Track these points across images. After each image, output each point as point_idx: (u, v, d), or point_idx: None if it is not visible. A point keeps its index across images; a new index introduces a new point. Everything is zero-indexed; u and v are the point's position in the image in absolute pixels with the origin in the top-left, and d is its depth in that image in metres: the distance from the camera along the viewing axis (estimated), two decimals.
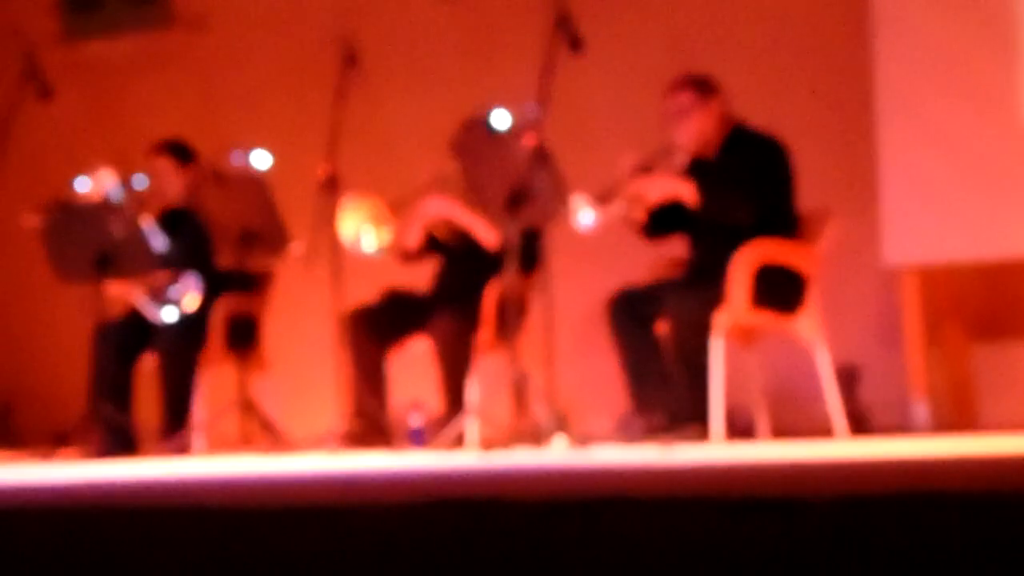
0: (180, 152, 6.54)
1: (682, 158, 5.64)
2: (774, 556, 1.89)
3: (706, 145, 5.66)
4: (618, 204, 5.47)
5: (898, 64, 6.20)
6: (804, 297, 5.53)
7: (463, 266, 6.07)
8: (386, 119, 7.54)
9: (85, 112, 8.22)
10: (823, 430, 5.79)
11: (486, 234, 5.89)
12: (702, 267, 5.62)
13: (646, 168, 5.53)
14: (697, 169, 5.62)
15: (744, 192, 5.44)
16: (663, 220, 5.65)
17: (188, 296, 6.30)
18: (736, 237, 5.41)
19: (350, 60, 5.79)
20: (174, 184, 6.46)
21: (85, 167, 6.33)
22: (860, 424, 6.15)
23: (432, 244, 6.16)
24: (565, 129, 5.94)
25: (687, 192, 5.48)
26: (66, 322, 7.23)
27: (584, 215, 5.22)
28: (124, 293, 6.30)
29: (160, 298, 6.31)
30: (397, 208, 5.93)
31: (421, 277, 6.27)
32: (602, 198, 5.36)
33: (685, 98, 5.63)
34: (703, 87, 5.66)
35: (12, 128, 6.32)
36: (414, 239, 6.15)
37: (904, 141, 6.22)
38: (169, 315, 6.29)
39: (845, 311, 6.35)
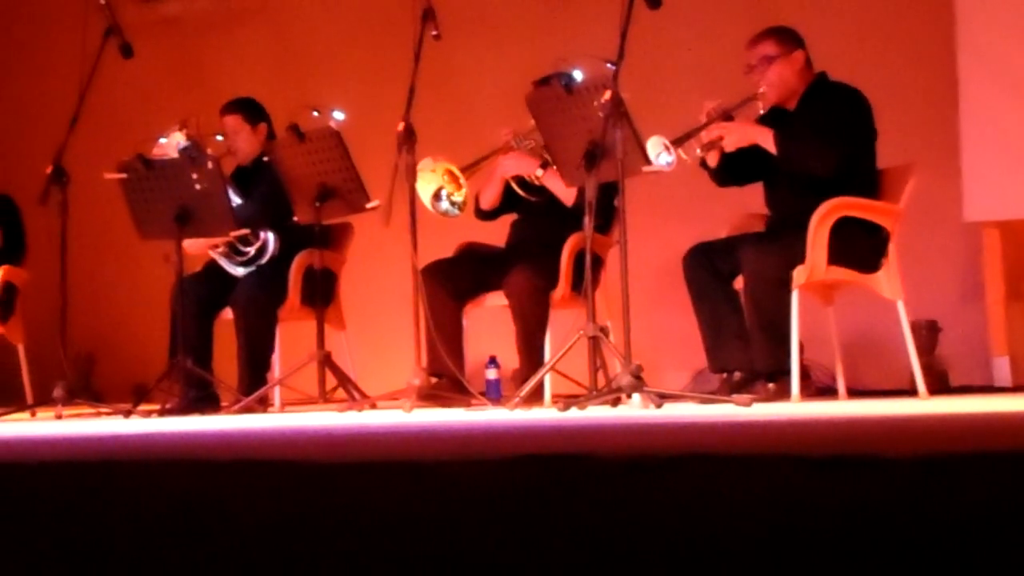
0: (250, 110, 6.57)
1: (763, 108, 5.60)
2: (852, 514, 1.88)
3: (788, 96, 5.63)
4: (696, 147, 5.43)
5: (980, 21, 6.12)
6: (885, 253, 5.47)
7: (539, 221, 6.07)
8: (463, 75, 7.54)
9: (164, 70, 8.28)
10: (903, 387, 5.75)
11: (563, 191, 5.87)
12: (781, 222, 5.58)
13: (726, 114, 5.49)
14: (777, 119, 5.58)
15: (823, 141, 5.39)
16: (739, 167, 5.61)
17: (264, 252, 6.34)
18: (816, 192, 5.36)
19: (427, 15, 5.77)
20: (246, 142, 6.50)
21: (163, 125, 6.38)
22: (940, 381, 6.10)
23: (509, 201, 6.15)
24: (642, 84, 5.91)
25: (765, 139, 5.43)
26: (147, 278, 7.31)
27: (661, 156, 5.19)
28: (204, 248, 6.35)
29: (239, 254, 6.36)
30: (474, 167, 5.93)
31: (498, 232, 6.27)
32: (680, 140, 5.33)
33: (768, 48, 5.60)
34: (786, 38, 5.62)
35: (94, 86, 6.38)
36: (491, 197, 6.15)
37: (986, 97, 6.14)
38: (248, 271, 6.34)
39: (926, 267, 6.28)
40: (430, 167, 5.79)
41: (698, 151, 5.46)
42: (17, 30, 8.83)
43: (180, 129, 6.26)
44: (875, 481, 2.18)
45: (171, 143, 6.23)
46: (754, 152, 5.48)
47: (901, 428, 3.77)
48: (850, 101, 5.52)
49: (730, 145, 5.49)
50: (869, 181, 5.53)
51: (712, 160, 5.57)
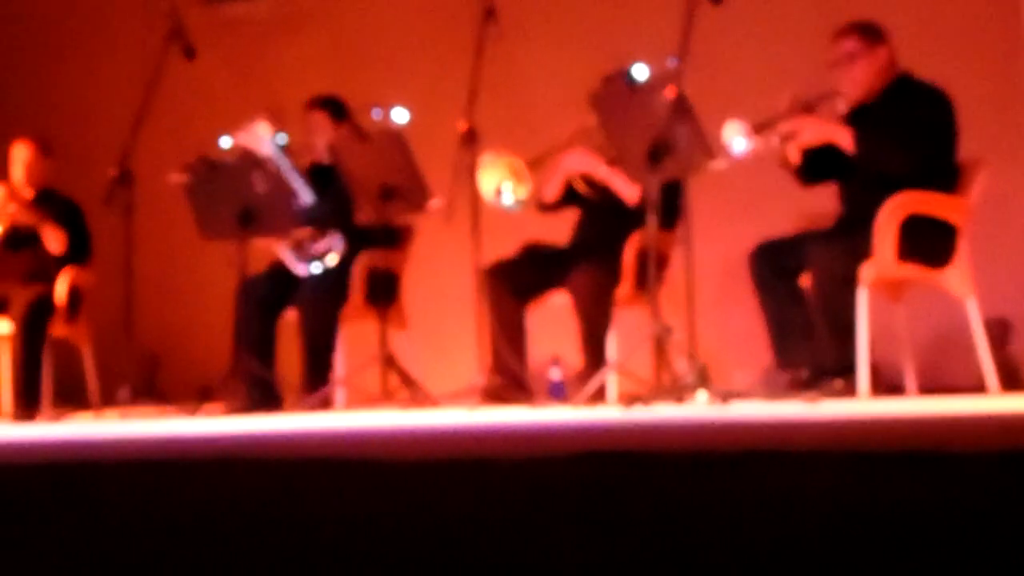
0: (337, 108, 6.59)
1: (843, 104, 5.54)
2: (921, 513, 1.84)
3: (869, 92, 5.55)
4: (772, 137, 5.38)
5: None
6: (954, 249, 5.40)
7: (603, 219, 6.04)
8: (525, 73, 7.52)
9: (227, 72, 8.32)
10: (973, 385, 5.68)
11: (627, 189, 5.85)
12: (850, 218, 5.52)
13: (807, 106, 5.43)
14: (858, 116, 5.51)
15: (902, 140, 5.32)
16: (817, 165, 5.55)
17: (331, 252, 6.36)
18: (892, 189, 5.30)
19: (489, 14, 5.76)
20: (328, 140, 6.50)
21: (226, 126, 6.41)
22: (1012, 379, 6.01)
23: (572, 197, 6.13)
24: (705, 81, 5.86)
25: (843, 136, 5.37)
26: (211, 278, 7.34)
27: (736, 142, 5.15)
28: (268, 248, 6.38)
29: (303, 253, 6.37)
30: (537, 162, 5.91)
31: (560, 231, 6.25)
32: (760, 127, 5.28)
33: (851, 44, 5.53)
34: (870, 33, 5.55)
35: (158, 89, 6.41)
36: (554, 193, 6.12)
37: None
38: (312, 270, 6.35)
39: (997, 263, 6.20)
40: (493, 161, 5.78)
41: (776, 141, 5.39)
42: (82, 33, 8.91)
43: (266, 120, 6.29)
44: (946, 479, 2.15)
45: (255, 134, 6.27)
46: (837, 149, 5.41)
47: (972, 426, 3.72)
48: (933, 100, 5.43)
49: (806, 140, 5.42)
50: (948, 181, 5.45)
51: (794, 157, 5.51)
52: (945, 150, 5.43)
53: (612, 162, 5.87)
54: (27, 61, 8.98)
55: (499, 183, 5.79)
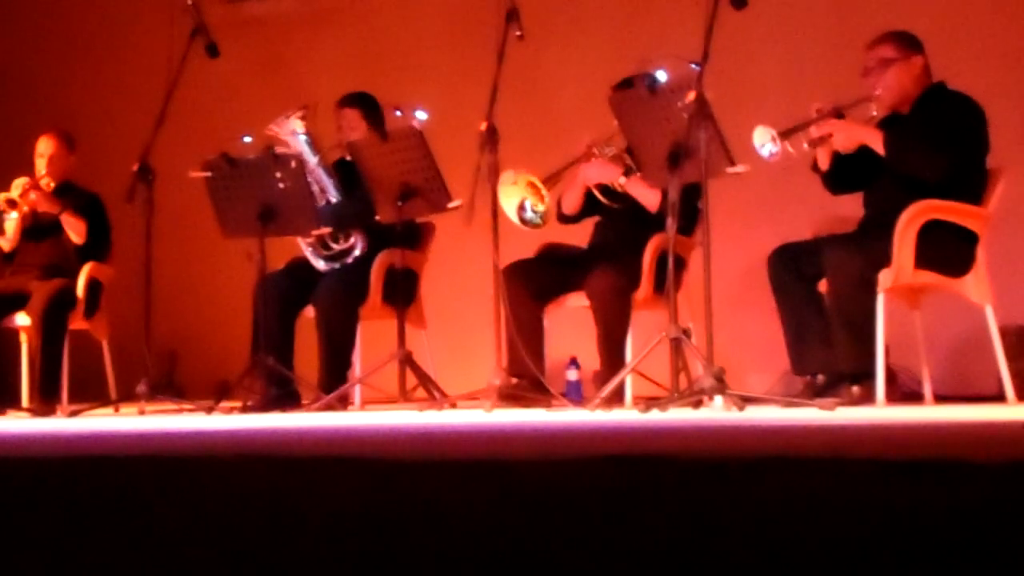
0: (370, 106, 6.59)
1: (877, 110, 5.52)
2: (937, 520, 1.84)
3: (903, 100, 5.54)
4: (802, 142, 5.37)
5: None
6: (973, 257, 5.39)
7: (621, 222, 6.04)
8: (546, 75, 7.53)
9: (249, 70, 8.34)
10: (991, 393, 5.66)
11: (647, 196, 5.85)
12: (871, 223, 5.50)
13: (837, 112, 5.42)
14: (891, 123, 5.50)
15: (934, 146, 5.30)
16: (847, 172, 5.53)
17: (351, 250, 6.37)
18: (918, 196, 5.28)
19: (511, 15, 5.76)
20: (360, 138, 6.50)
21: (252, 122, 6.42)
22: None
23: (592, 208, 6.13)
24: (726, 86, 5.86)
25: (875, 139, 5.35)
26: (230, 275, 7.36)
27: (767, 146, 5.14)
28: (288, 244, 6.39)
29: (323, 251, 6.38)
30: (553, 178, 5.92)
31: (579, 233, 6.25)
32: (788, 133, 5.27)
33: (887, 51, 5.52)
34: (906, 42, 5.54)
35: (180, 85, 6.43)
36: (574, 204, 6.13)
37: None
38: (331, 267, 6.36)
39: (1015, 271, 6.19)
40: (511, 180, 5.79)
41: (806, 146, 5.38)
42: (104, 30, 8.93)
43: (300, 116, 6.31)
44: (962, 487, 2.15)
45: (287, 129, 6.29)
46: (867, 157, 5.39)
47: (989, 434, 3.71)
48: (965, 109, 5.41)
49: (839, 143, 5.41)
50: (975, 191, 5.43)
51: (824, 163, 5.50)
52: (975, 158, 5.41)
53: (629, 172, 5.88)
54: (51, 57, 9.01)
55: (520, 201, 5.80)
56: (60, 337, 6.61)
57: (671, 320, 5.15)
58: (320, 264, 6.38)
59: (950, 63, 5.98)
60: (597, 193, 6.00)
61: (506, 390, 5.57)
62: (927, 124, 5.40)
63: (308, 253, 6.38)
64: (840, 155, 5.45)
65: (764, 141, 5.14)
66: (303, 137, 6.30)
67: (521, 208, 5.80)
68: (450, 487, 2.40)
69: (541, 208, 5.81)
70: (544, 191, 5.81)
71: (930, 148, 5.30)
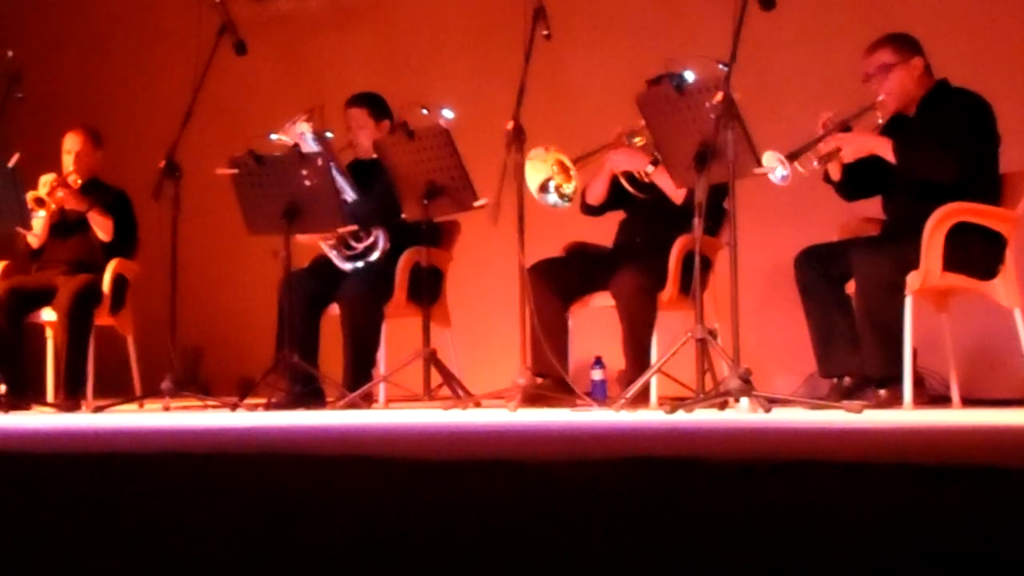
0: (377, 105, 6.61)
1: (882, 116, 5.50)
2: (964, 524, 1.83)
3: (907, 103, 5.52)
4: (813, 159, 5.35)
5: None
6: (1002, 260, 5.36)
7: (647, 222, 6.03)
8: (573, 74, 7.51)
9: (276, 68, 8.36)
10: (1019, 396, 5.63)
11: (672, 189, 5.83)
12: (896, 226, 5.48)
13: (843, 125, 5.41)
14: (897, 126, 5.48)
15: (943, 148, 5.28)
16: (859, 180, 5.52)
17: (376, 249, 6.37)
18: (934, 198, 5.26)
19: (538, 14, 5.75)
20: (368, 137, 6.52)
21: (274, 121, 6.43)
22: None
23: (617, 200, 6.11)
24: (754, 86, 5.84)
25: (884, 149, 5.34)
26: (256, 272, 7.37)
27: (777, 171, 5.12)
28: (315, 239, 6.39)
29: (349, 248, 6.39)
30: (583, 160, 5.90)
31: (605, 232, 6.24)
32: (796, 154, 5.26)
33: (885, 56, 5.50)
34: (904, 44, 5.52)
35: (207, 83, 6.44)
36: (599, 194, 6.11)
37: None
38: (355, 266, 6.36)
39: None
40: (541, 156, 5.76)
41: (815, 163, 5.37)
42: (132, 27, 8.96)
43: (307, 120, 6.32)
44: (990, 491, 2.13)
45: (296, 132, 6.30)
46: (878, 163, 5.38)
47: (1017, 438, 3.69)
48: (971, 106, 5.40)
49: (848, 156, 5.40)
50: (991, 188, 5.41)
51: (835, 173, 5.49)
52: (986, 156, 5.39)
53: (656, 162, 5.85)
54: (79, 54, 9.05)
55: (545, 179, 5.78)
56: (86, 333, 6.63)
57: (697, 320, 5.14)
58: (344, 265, 6.38)
59: (974, 65, 5.96)
60: (624, 181, 5.98)
61: (531, 389, 5.57)
62: (934, 126, 5.38)
63: (332, 255, 6.38)
64: (850, 164, 5.44)
65: (773, 166, 5.12)
66: (311, 138, 6.30)
67: (544, 187, 5.78)
68: (474, 487, 2.39)
69: (567, 189, 5.78)
70: (573, 171, 5.78)
71: (940, 152, 5.28)
